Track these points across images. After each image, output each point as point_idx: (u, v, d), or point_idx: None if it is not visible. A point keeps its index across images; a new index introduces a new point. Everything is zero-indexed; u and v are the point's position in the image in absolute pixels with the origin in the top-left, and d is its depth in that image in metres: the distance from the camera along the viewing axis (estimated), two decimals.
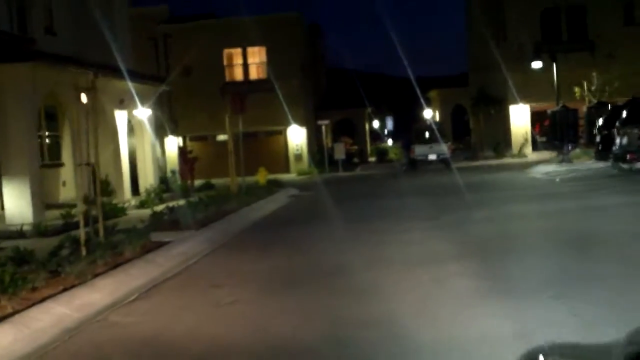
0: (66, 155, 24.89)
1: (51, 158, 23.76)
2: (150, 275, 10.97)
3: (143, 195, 23.15)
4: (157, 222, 16.47)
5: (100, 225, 12.82)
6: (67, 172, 24.74)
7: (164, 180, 25.92)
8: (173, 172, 30.86)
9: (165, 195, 24.51)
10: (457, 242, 12.13)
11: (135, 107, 23.72)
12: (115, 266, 11.12)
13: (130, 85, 22.12)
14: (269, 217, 19.70)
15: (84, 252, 11.16)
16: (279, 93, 38.03)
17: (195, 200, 20.52)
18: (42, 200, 17.74)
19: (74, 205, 19.36)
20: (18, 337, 7.11)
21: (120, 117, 22.66)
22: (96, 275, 10.24)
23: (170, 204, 19.60)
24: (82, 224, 12.08)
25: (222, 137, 38.92)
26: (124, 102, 22.73)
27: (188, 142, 43.21)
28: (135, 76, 23.59)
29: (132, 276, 10.73)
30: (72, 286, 9.42)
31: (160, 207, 19.17)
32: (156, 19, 41.67)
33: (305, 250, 12.83)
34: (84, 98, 20.83)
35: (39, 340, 7.17)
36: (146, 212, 18.54)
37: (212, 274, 11.12)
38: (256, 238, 15.33)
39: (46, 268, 9.86)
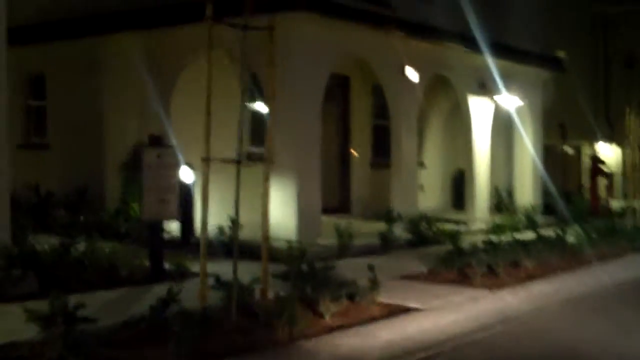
0: (428, 153, 19.74)
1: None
2: None
3: (504, 216, 16.85)
4: (451, 262, 10.38)
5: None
6: (426, 175, 19.59)
7: (551, 197, 19.07)
8: (580, 187, 23.68)
9: (544, 219, 17.83)
10: None
11: (519, 95, 17.49)
12: None
13: (493, 62, 16.01)
14: None
15: None
16: None
17: (577, 231, 13.77)
18: (315, 207, 12.69)
19: (421, 218, 14.18)
20: None
21: (479, 105, 16.68)
22: None
23: (540, 234, 13.22)
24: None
25: None
26: (486, 87, 16.67)
27: (630, 152, 34.79)
28: (515, 54, 17.39)
29: None
30: None
31: (520, 236, 13.08)
32: None
33: None
34: (410, 73, 15.50)
35: None
36: (497, 239, 12.41)
37: None
38: (594, 321, 8.25)
39: None
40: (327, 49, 12.78)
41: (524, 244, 11.93)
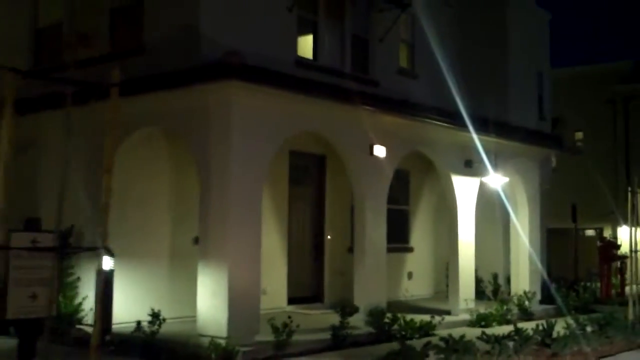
0: (417, 236, 18.25)
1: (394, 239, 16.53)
2: None
3: (493, 305, 15.12)
4: None
5: None
6: (416, 261, 18.09)
7: (547, 285, 17.31)
8: (592, 274, 21.79)
9: (541, 308, 16.16)
10: None
11: (512, 174, 16.09)
12: None
13: (478, 139, 14.67)
14: None
15: None
16: None
17: (570, 323, 12.23)
18: (253, 299, 11.10)
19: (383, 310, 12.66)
20: None
21: (465, 186, 15.21)
22: None
23: (530, 325, 11.93)
24: None
25: None
26: (473, 165, 15.23)
27: None
28: (504, 130, 16.00)
29: None
30: None
31: (504, 329, 11.92)
32: (616, 77, 32.59)
33: None
34: (378, 150, 14.13)
35: None
36: (473, 332, 11.40)
37: None
38: None
39: None
40: (273, 123, 11.48)
41: (496, 340, 10.31)
